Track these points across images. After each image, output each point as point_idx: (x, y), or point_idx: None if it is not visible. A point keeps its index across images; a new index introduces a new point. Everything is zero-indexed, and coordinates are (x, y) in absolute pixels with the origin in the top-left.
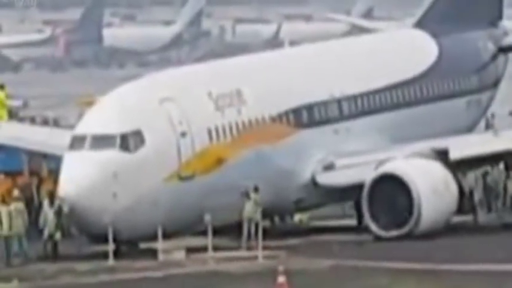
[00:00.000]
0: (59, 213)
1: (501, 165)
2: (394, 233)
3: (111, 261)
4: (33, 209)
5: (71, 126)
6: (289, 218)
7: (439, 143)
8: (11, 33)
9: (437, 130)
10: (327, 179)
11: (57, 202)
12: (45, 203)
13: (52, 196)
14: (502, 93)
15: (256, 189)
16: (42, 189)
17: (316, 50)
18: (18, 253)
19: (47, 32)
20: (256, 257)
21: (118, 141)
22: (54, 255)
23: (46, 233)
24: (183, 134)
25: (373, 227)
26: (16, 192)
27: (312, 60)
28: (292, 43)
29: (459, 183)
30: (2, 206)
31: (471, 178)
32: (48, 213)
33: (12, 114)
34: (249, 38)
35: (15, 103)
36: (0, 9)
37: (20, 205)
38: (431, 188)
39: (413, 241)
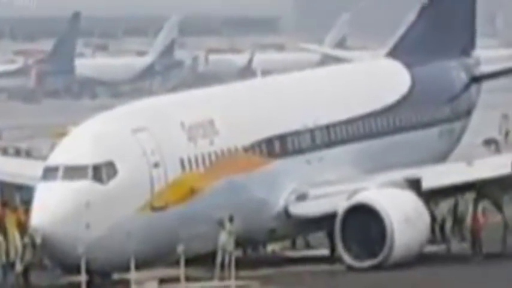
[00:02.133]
0: (31, 244)
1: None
2: (367, 263)
3: None
4: (6, 241)
5: (44, 157)
6: (262, 248)
7: (412, 173)
8: None
9: (410, 160)
10: (299, 209)
11: (29, 233)
12: (16, 235)
13: (23, 227)
14: (475, 122)
15: (231, 219)
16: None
17: (288, 79)
18: None
19: (19, 62)
20: (229, 287)
21: (90, 172)
22: (27, 287)
23: (17, 265)
24: (156, 165)
25: (346, 257)
26: None
27: (285, 90)
28: (265, 73)
29: (431, 212)
30: None
31: (443, 208)
32: (19, 245)
33: None
34: (222, 68)
35: None
36: None
37: None
38: (404, 217)
39: (386, 271)
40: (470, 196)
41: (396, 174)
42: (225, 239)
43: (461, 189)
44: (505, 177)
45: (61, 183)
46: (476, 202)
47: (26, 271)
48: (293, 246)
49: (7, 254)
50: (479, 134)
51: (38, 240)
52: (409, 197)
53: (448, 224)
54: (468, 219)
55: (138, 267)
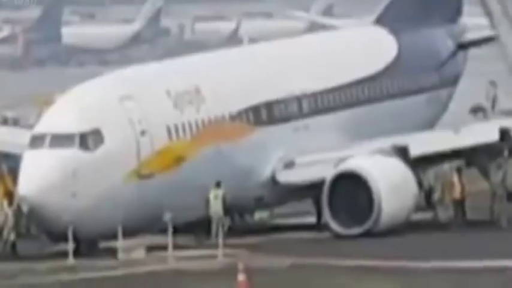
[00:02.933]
0: (18, 212)
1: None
2: (354, 230)
3: (71, 260)
4: None
5: (31, 126)
6: (249, 216)
7: (399, 140)
8: None
9: (397, 127)
10: (286, 176)
11: (16, 201)
12: (4, 203)
13: (11, 195)
14: (462, 90)
15: (218, 185)
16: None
17: (275, 47)
18: None
19: (6, 30)
20: (216, 256)
21: (77, 140)
22: (14, 255)
23: (5, 232)
24: (143, 133)
25: (333, 224)
26: None
27: (272, 58)
28: (252, 40)
29: (419, 180)
30: None
31: (431, 175)
32: (7, 212)
33: None
34: (208, 36)
35: None
36: None
37: None
38: (391, 185)
39: (373, 238)
40: (454, 164)
41: (383, 141)
42: (216, 206)
43: (448, 156)
44: (492, 144)
45: (48, 151)
46: (459, 169)
47: (11, 239)
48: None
49: None
50: (467, 102)
51: (25, 209)
52: (396, 165)
53: (437, 192)
54: (457, 187)
55: (125, 235)
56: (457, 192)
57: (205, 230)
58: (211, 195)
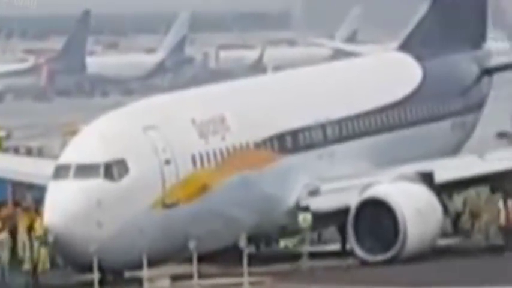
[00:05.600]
0: (43, 243)
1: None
2: (380, 257)
3: None
4: (17, 240)
5: (55, 156)
6: (274, 243)
7: (424, 166)
8: None
9: (422, 153)
10: (311, 204)
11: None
12: (24, 234)
13: (35, 227)
14: (487, 115)
15: None
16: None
17: (299, 75)
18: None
19: (30, 61)
20: (241, 284)
21: (102, 170)
22: (36, 285)
23: (27, 264)
24: (167, 162)
25: (359, 251)
26: None
27: (296, 85)
28: (276, 68)
29: (444, 206)
30: None
31: (458, 201)
32: (27, 244)
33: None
34: (233, 64)
35: None
36: None
37: (4, 236)
38: (417, 211)
39: (399, 265)
40: (483, 190)
41: (408, 167)
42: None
43: (474, 182)
44: None
45: (73, 181)
46: (505, 198)
47: (34, 270)
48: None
49: (16, 252)
50: (492, 127)
51: (50, 239)
52: (421, 191)
53: (465, 218)
54: (502, 216)
55: (150, 264)
56: (502, 219)
57: (231, 258)
58: None
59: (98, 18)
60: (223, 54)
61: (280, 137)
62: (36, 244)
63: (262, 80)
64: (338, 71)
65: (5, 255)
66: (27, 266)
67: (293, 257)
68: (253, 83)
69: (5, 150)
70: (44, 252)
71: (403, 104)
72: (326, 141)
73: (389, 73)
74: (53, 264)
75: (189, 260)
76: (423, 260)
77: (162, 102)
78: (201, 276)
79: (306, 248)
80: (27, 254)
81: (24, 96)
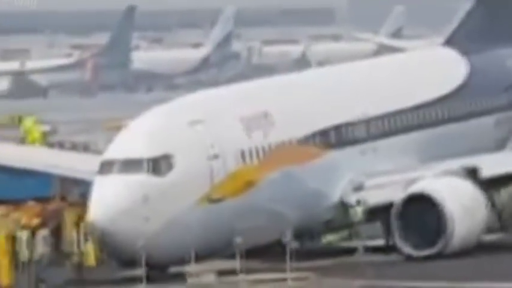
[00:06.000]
0: (87, 238)
1: None
2: (424, 252)
3: (143, 287)
4: (63, 236)
5: (100, 151)
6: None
7: (469, 162)
8: (40, 58)
9: (467, 148)
10: (356, 199)
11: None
12: (70, 229)
13: (81, 221)
14: None
15: None
16: (70, 215)
17: (344, 70)
18: (41, 279)
19: (75, 56)
20: (286, 279)
21: (147, 165)
22: (81, 281)
23: (74, 258)
24: (214, 157)
25: (404, 246)
26: (37, 220)
27: (340, 81)
28: (320, 63)
29: (491, 201)
30: (22, 232)
31: (504, 196)
32: (74, 238)
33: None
34: (277, 59)
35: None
36: (29, 34)
37: (44, 232)
38: (462, 206)
39: (444, 260)
40: None
41: (453, 163)
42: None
43: None
44: None
45: (118, 177)
46: None
47: (80, 265)
48: (349, 237)
49: (60, 248)
50: None
51: (96, 235)
52: (467, 186)
53: (506, 213)
54: None
55: (196, 259)
56: None
57: (275, 253)
58: None
59: (142, 14)
60: (267, 49)
61: (324, 133)
62: (82, 239)
63: (306, 75)
64: (382, 66)
65: (46, 250)
66: (73, 261)
67: (337, 252)
68: (297, 78)
69: (50, 145)
70: (90, 247)
71: (448, 99)
72: (370, 137)
73: (434, 68)
74: (99, 259)
75: (235, 255)
76: (469, 255)
77: (207, 98)
78: (246, 271)
79: (362, 242)
80: (74, 249)
81: (69, 92)
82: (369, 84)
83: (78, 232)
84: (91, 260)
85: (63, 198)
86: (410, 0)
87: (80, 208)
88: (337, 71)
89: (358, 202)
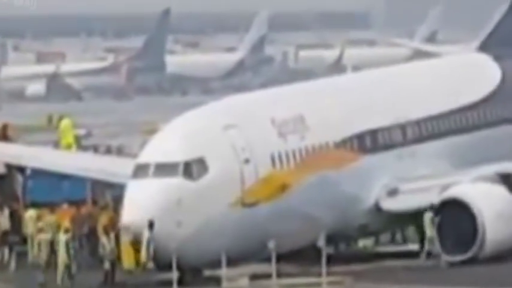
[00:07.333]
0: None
1: None
2: (458, 257)
3: None
4: (95, 238)
5: (135, 155)
6: (353, 243)
7: (503, 167)
8: (75, 62)
9: (501, 154)
10: (391, 204)
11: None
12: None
13: (114, 225)
14: None
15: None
16: (102, 218)
17: (379, 75)
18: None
19: (110, 59)
20: (321, 284)
21: (181, 169)
22: (112, 283)
23: (105, 262)
24: (247, 161)
25: (438, 252)
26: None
27: (375, 85)
28: (355, 68)
29: None
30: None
31: None
32: (105, 242)
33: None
34: (312, 63)
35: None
36: (64, 37)
37: (68, 236)
38: (496, 212)
39: (478, 265)
40: None
41: (488, 168)
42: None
43: None
44: None
45: (152, 180)
46: None
47: (112, 268)
48: (392, 240)
49: (95, 252)
50: None
51: (129, 238)
52: (500, 192)
53: None
54: None
55: (229, 263)
56: None
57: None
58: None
59: (177, 17)
60: (302, 53)
61: (360, 137)
62: (112, 243)
63: (341, 79)
64: (417, 71)
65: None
66: (106, 264)
67: (372, 257)
68: (332, 82)
69: (85, 148)
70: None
71: (481, 105)
72: (405, 141)
73: (468, 74)
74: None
75: (268, 260)
76: (503, 260)
77: (241, 102)
78: (279, 275)
79: (430, 247)
80: (107, 252)
81: (104, 95)
82: (403, 90)
83: (110, 235)
84: (125, 263)
85: (95, 202)
86: (448, 3)
87: (112, 212)
88: (372, 75)
89: (431, 207)
